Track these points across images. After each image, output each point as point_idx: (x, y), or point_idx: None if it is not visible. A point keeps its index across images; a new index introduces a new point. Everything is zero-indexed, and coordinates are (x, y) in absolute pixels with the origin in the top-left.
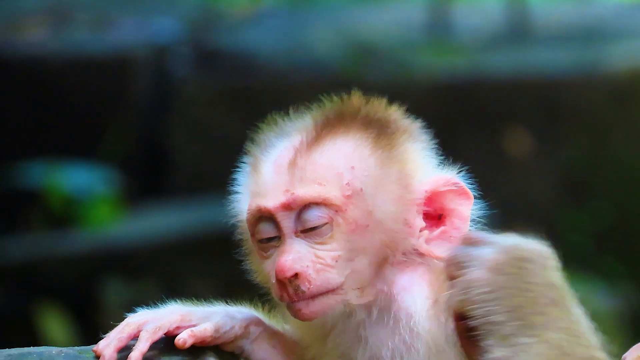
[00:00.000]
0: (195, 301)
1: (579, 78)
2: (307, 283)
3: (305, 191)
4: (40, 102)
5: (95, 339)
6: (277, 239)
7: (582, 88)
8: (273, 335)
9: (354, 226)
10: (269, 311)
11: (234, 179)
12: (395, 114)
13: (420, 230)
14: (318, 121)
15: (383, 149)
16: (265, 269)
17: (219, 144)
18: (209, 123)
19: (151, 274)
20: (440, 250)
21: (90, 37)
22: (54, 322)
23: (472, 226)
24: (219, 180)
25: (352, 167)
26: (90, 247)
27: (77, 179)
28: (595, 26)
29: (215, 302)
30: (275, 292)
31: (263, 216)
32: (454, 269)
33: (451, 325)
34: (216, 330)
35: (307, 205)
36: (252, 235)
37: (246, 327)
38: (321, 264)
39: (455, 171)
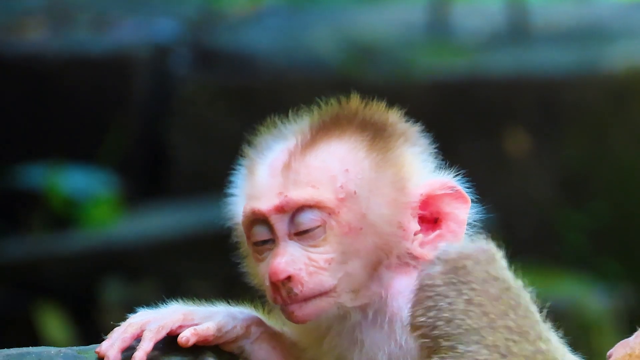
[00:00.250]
0: (196, 301)
1: (579, 78)
2: (300, 286)
3: (299, 194)
4: (40, 102)
5: (95, 339)
6: (271, 242)
7: (581, 88)
8: (273, 336)
9: (347, 229)
10: (269, 312)
11: (231, 182)
12: (393, 117)
13: (415, 234)
14: (314, 124)
15: (378, 152)
16: (259, 271)
17: (219, 143)
18: (209, 123)
19: (151, 274)
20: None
21: (90, 37)
22: (53, 322)
23: (469, 230)
24: (218, 180)
25: (346, 170)
26: (90, 248)
27: (77, 180)
28: (594, 26)
29: (216, 302)
30: (269, 294)
31: (257, 219)
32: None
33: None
34: (218, 330)
35: (300, 208)
36: (247, 238)
37: (247, 327)
38: (314, 266)
39: (452, 175)
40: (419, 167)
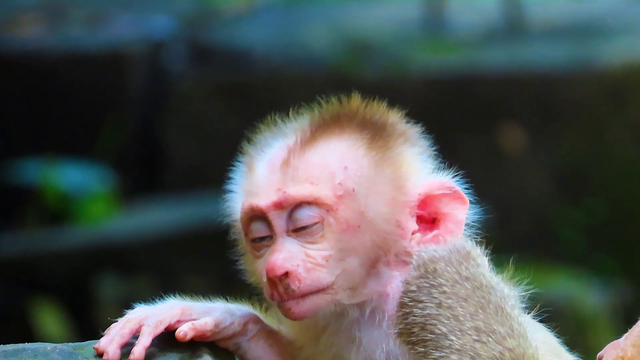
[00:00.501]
0: (192, 297)
1: (574, 74)
2: (297, 282)
3: (297, 190)
4: (35, 99)
5: (90, 335)
6: (269, 239)
7: (577, 84)
8: (270, 334)
9: (345, 226)
10: (266, 310)
11: (229, 178)
12: (393, 117)
13: (413, 233)
14: (314, 122)
15: (378, 151)
16: (257, 268)
17: (215, 140)
18: (205, 119)
19: (146, 270)
20: None
21: (86, 33)
22: (48, 318)
23: (466, 230)
24: (214, 176)
25: (345, 167)
26: (85, 243)
27: (72, 176)
28: (590, 22)
29: (213, 298)
30: (266, 291)
31: (256, 215)
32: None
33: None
34: (216, 325)
35: (298, 205)
36: (246, 235)
37: (245, 324)
38: (312, 263)
39: (451, 175)
40: (418, 167)
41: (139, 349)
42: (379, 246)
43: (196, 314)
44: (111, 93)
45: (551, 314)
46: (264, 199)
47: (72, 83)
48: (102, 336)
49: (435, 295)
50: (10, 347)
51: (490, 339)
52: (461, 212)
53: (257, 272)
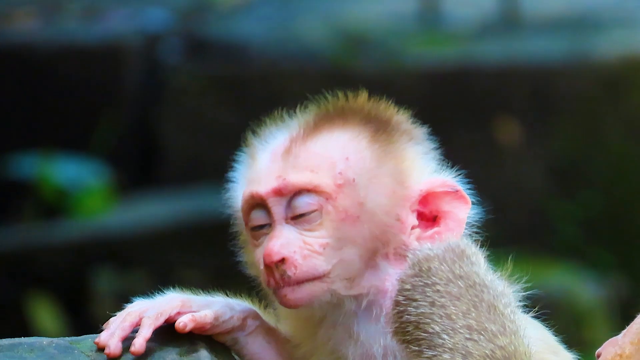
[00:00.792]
0: (190, 291)
1: (570, 67)
2: (293, 268)
3: (297, 177)
4: (31, 92)
5: (87, 329)
6: (268, 227)
7: (572, 77)
8: (268, 330)
9: (343, 215)
10: (265, 307)
11: (232, 169)
12: (399, 116)
13: (412, 228)
14: (318, 114)
15: (380, 144)
16: (256, 257)
17: (210, 133)
18: (200, 112)
19: (142, 264)
20: None
21: (81, 26)
22: (45, 312)
23: (467, 230)
24: (210, 169)
25: (347, 158)
26: (81, 237)
27: (68, 170)
28: (586, 15)
29: (212, 292)
30: (263, 278)
31: (256, 203)
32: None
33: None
34: (216, 318)
35: (298, 192)
36: (246, 224)
37: (244, 319)
38: (309, 250)
39: (454, 175)
40: (420, 165)
41: (140, 340)
42: (378, 238)
43: (196, 307)
44: (107, 87)
45: (547, 308)
46: (264, 186)
47: (67, 77)
48: (101, 330)
49: (429, 294)
50: (6, 341)
51: (481, 337)
52: (462, 211)
53: (255, 262)
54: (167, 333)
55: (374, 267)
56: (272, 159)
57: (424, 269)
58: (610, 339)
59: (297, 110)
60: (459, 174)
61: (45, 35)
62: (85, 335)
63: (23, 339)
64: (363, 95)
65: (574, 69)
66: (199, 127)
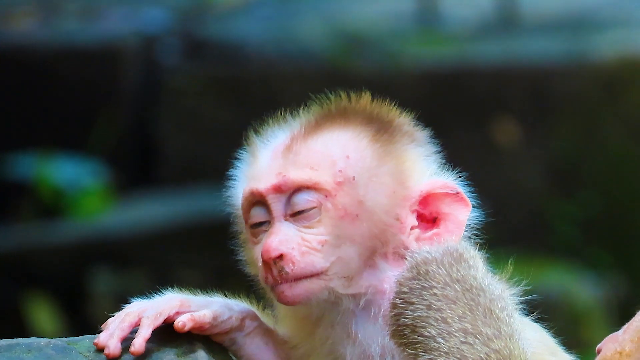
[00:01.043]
0: (188, 291)
1: (568, 67)
2: (291, 264)
3: (297, 174)
4: (29, 92)
5: (85, 329)
6: (267, 224)
7: (570, 77)
8: (266, 332)
9: (342, 213)
10: (263, 309)
11: (232, 168)
12: (401, 118)
13: (412, 229)
14: (320, 113)
15: (381, 144)
16: (255, 254)
17: (208, 133)
18: (198, 113)
19: (140, 264)
20: None
21: (79, 27)
22: (42, 312)
23: (467, 232)
24: (208, 169)
25: (347, 156)
26: (79, 238)
27: (66, 170)
28: (583, 15)
29: (210, 292)
30: (261, 274)
31: (256, 200)
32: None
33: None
34: (214, 318)
35: (297, 189)
36: (246, 222)
37: (242, 319)
38: (307, 246)
39: (454, 177)
40: (421, 166)
41: (140, 340)
42: (377, 237)
43: (195, 307)
44: (105, 87)
45: (545, 308)
46: (264, 183)
47: (65, 77)
48: (99, 331)
49: (425, 297)
50: (4, 342)
51: (477, 340)
52: (462, 213)
53: (255, 259)
54: (165, 333)
55: (372, 267)
56: (273, 157)
57: (421, 272)
58: (610, 335)
59: (299, 110)
60: (460, 177)
61: (43, 36)
62: (82, 336)
63: (21, 340)
64: (366, 97)
65: (572, 69)
66: (197, 127)
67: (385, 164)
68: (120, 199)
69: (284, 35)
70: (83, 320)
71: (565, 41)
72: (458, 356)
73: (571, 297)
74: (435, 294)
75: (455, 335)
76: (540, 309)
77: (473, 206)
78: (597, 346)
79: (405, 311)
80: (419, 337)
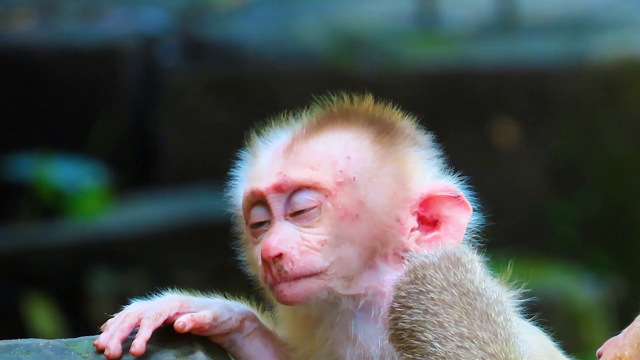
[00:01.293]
0: (187, 292)
1: (567, 68)
2: (290, 263)
3: (297, 174)
4: (28, 93)
5: (83, 330)
6: (267, 224)
7: (570, 78)
8: (266, 334)
9: (342, 213)
10: (263, 311)
11: (234, 168)
12: (403, 120)
13: (412, 231)
14: (321, 114)
15: (383, 145)
16: (255, 254)
17: (207, 134)
18: (197, 113)
19: (139, 265)
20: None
21: (78, 27)
22: (41, 313)
23: (467, 236)
24: (207, 170)
25: (348, 157)
26: (78, 238)
27: (65, 171)
28: (583, 16)
29: (209, 293)
30: (260, 274)
31: (256, 200)
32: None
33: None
34: (214, 319)
35: (298, 189)
36: (246, 222)
37: (242, 320)
38: (306, 246)
39: (456, 181)
40: (423, 169)
41: (140, 341)
42: (377, 238)
43: (195, 307)
44: (104, 88)
45: (544, 308)
46: (264, 182)
47: (64, 78)
48: (99, 332)
49: (423, 302)
50: (3, 342)
51: (473, 345)
52: (463, 217)
53: (254, 260)
54: (164, 334)
55: (372, 268)
56: (274, 157)
57: (419, 276)
58: (610, 339)
59: (300, 111)
60: (461, 180)
61: (43, 36)
62: (81, 337)
63: (19, 341)
64: (368, 99)
65: (572, 70)
66: (196, 128)
67: (386, 165)
68: (119, 200)
69: (283, 36)
70: (82, 320)
71: (564, 42)
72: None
73: (570, 297)
74: (432, 299)
75: (451, 340)
76: (540, 310)
77: (474, 210)
78: (598, 350)
79: (403, 315)
80: (416, 342)
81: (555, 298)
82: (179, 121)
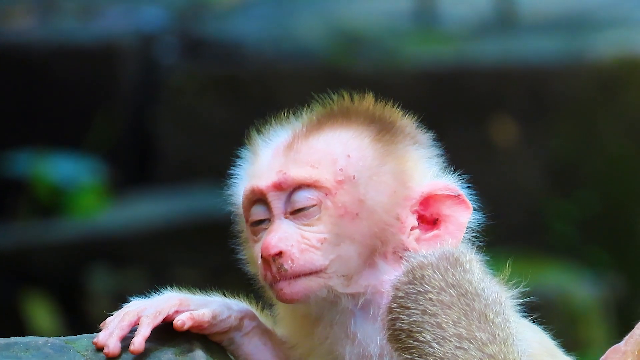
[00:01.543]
0: (186, 290)
1: (566, 67)
2: (290, 261)
3: (297, 172)
4: (26, 91)
5: (82, 328)
6: (267, 222)
7: (568, 77)
8: (265, 332)
9: (342, 211)
10: (262, 309)
11: (233, 166)
12: (404, 119)
13: (412, 229)
14: (322, 113)
15: (383, 144)
16: (254, 253)
17: (206, 132)
18: (196, 112)
19: (138, 263)
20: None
21: (77, 25)
22: (40, 311)
23: (467, 235)
24: (206, 168)
25: (348, 155)
26: (76, 236)
27: (63, 168)
28: (581, 15)
29: (207, 291)
30: (260, 272)
31: (256, 198)
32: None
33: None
34: (213, 317)
35: (298, 187)
36: (246, 220)
37: (241, 319)
38: (306, 244)
39: (456, 180)
40: (423, 167)
41: (139, 339)
42: (377, 236)
43: (194, 306)
44: (103, 85)
45: (543, 307)
46: (264, 181)
47: (63, 75)
48: (98, 330)
49: (421, 303)
50: (2, 340)
51: (471, 345)
52: (463, 216)
53: (254, 258)
54: (163, 333)
55: (372, 267)
56: (274, 155)
57: (417, 276)
58: (613, 347)
59: (300, 110)
60: (461, 179)
61: (41, 34)
62: (80, 335)
63: (18, 339)
64: (368, 98)
65: (570, 68)
66: (194, 126)
67: (387, 163)
68: (117, 197)
69: (281, 34)
70: (80, 318)
71: (563, 40)
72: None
73: (569, 296)
74: (430, 299)
75: (450, 341)
76: (538, 308)
77: (474, 209)
78: (600, 359)
79: (401, 316)
80: (414, 342)
81: (554, 297)
82: (178, 119)
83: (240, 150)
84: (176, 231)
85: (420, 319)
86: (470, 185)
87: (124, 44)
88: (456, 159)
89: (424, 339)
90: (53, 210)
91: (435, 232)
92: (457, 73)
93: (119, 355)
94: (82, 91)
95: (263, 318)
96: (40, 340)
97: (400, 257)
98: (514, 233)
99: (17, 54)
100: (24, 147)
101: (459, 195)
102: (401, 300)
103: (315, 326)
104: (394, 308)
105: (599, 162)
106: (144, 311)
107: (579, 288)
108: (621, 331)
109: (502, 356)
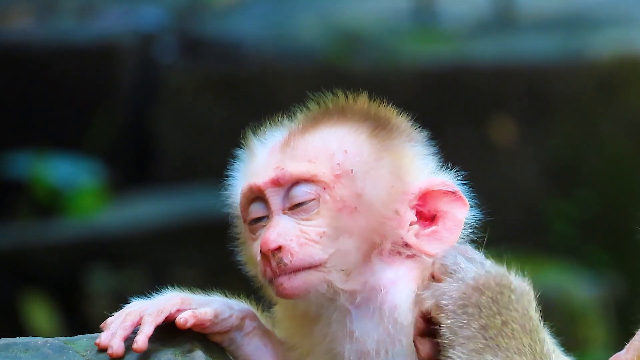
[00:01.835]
0: (186, 290)
1: (565, 66)
2: (289, 256)
3: (295, 167)
4: (25, 91)
5: (81, 328)
6: (265, 219)
7: (568, 75)
8: (265, 333)
9: (341, 205)
10: (262, 311)
11: (230, 167)
12: (399, 117)
13: (411, 224)
14: (318, 111)
15: (379, 140)
16: (253, 251)
17: (205, 132)
18: (195, 111)
19: (137, 263)
20: (429, 246)
21: (76, 25)
22: (39, 311)
23: (465, 231)
24: (204, 168)
25: (345, 150)
26: (76, 236)
27: (62, 168)
28: (580, 14)
29: (208, 291)
30: (260, 268)
31: (254, 196)
32: (438, 270)
33: (413, 320)
34: (215, 316)
35: (296, 182)
36: (244, 219)
37: (242, 319)
38: (305, 238)
39: (453, 177)
40: (419, 164)
41: (142, 337)
42: (375, 231)
43: (196, 304)
44: (101, 85)
45: (542, 306)
46: (262, 178)
47: (62, 75)
48: (98, 330)
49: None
50: (1, 341)
51: None
52: (461, 212)
53: (253, 257)
54: (163, 333)
55: (370, 263)
56: (271, 153)
57: (500, 283)
58: (614, 355)
59: (296, 109)
60: (458, 176)
61: (40, 34)
62: (80, 335)
63: (18, 339)
64: (363, 97)
65: (569, 67)
66: (193, 125)
67: (383, 158)
68: (116, 198)
69: (280, 33)
70: (80, 318)
71: (562, 39)
72: None
73: (568, 295)
74: (512, 317)
75: (524, 357)
76: (538, 308)
77: (471, 206)
78: None
79: (474, 311)
80: (487, 341)
81: (553, 296)
82: (177, 118)
83: (238, 150)
84: (176, 231)
85: (503, 326)
86: (468, 183)
87: (123, 43)
88: (455, 158)
89: (503, 344)
90: (52, 210)
91: (433, 227)
92: (456, 72)
93: (122, 356)
94: (81, 91)
95: (263, 319)
96: (39, 340)
97: (398, 254)
98: (512, 232)
99: (16, 53)
100: (24, 147)
101: (456, 191)
102: (479, 298)
103: (313, 325)
104: (469, 298)
105: (598, 161)
106: (146, 310)
107: (579, 288)
108: (620, 331)
109: None
